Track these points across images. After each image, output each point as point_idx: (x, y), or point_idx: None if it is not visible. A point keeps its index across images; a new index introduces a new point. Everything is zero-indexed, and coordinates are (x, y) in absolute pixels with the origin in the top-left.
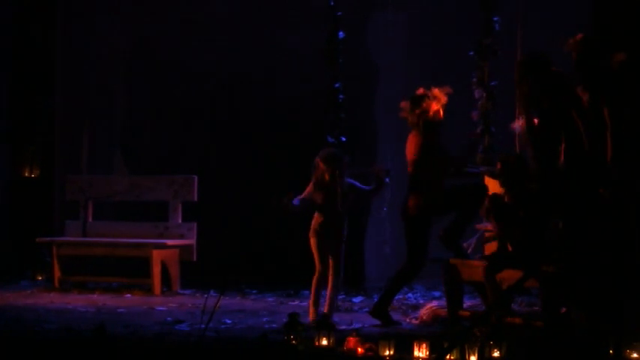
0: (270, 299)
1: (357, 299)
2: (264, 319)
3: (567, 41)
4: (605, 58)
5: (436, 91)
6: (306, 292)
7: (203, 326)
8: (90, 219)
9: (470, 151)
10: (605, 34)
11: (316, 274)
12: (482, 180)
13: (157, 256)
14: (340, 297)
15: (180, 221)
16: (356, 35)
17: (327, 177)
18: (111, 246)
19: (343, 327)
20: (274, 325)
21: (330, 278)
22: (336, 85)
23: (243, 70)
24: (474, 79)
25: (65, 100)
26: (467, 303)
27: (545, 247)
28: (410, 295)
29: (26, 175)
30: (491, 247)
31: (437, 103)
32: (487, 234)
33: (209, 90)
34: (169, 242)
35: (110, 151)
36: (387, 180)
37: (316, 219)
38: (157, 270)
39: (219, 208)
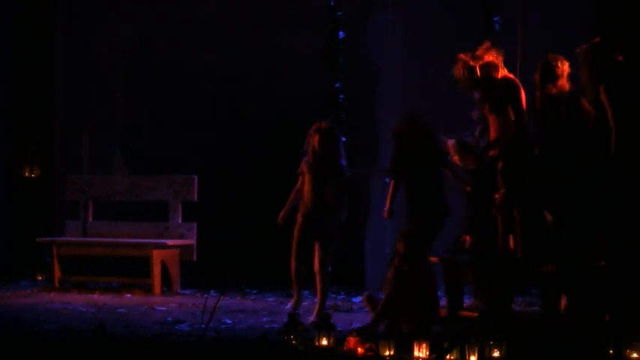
0: (270, 299)
1: (357, 299)
2: (264, 319)
3: (579, 51)
4: (613, 57)
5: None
6: (306, 292)
7: (203, 326)
8: (90, 219)
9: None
10: (606, 34)
11: None
12: None
13: (157, 256)
14: (340, 297)
15: (180, 221)
16: (356, 35)
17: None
18: (111, 246)
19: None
20: (274, 325)
21: None
22: (336, 85)
23: (243, 70)
24: None
25: (65, 100)
26: (467, 303)
27: (543, 246)
28: None
29: (26, 175)
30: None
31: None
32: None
33: (209, 90)
34: (169, 242)
35: (110, 151)
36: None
37: None
38: (157, 270)
39: (219, 208)
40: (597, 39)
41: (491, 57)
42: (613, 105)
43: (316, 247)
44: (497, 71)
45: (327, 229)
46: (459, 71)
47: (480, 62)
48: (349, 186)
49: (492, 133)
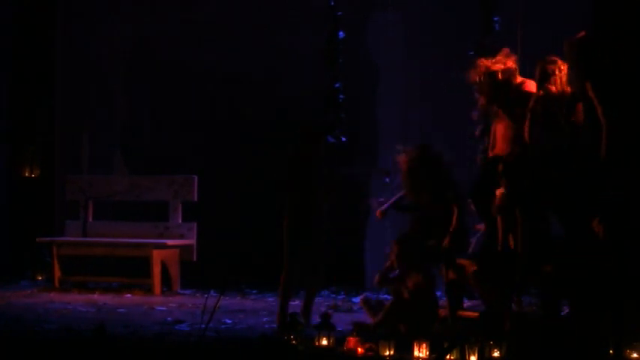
0: (270, 299)
1: (357, 299)
2: (264, 319)
3: (567, 43)
4: (605, 56)
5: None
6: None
7: (203, 326)
8: (90, 219)
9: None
10: (605, 34)
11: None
12: None
13: (157, 256)
14: (340, 297)
15: (180, 221)
16: (356, 35)
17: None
18: (111, 246)
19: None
20: (274, 325)
21: None
22: (336, 85)
23: (243, 70)
24: None
25: (65, 100)
26: (467, 303)
27: (543, 246)
28: None
29: (26, 175)
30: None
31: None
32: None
33: (209, 90)
34: (169, 242)
35: (110, 151)
36: (387, 180)
37: None
38: (157, 270)
39: (219, 208)
40: (581, 34)
41: (510, 63)
42: (602, 102)
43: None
44: (516, 77)
45: (317, 236)
46: (477, 76)
47: (502, 68)
48: (334, 195)
49: (503, 138)
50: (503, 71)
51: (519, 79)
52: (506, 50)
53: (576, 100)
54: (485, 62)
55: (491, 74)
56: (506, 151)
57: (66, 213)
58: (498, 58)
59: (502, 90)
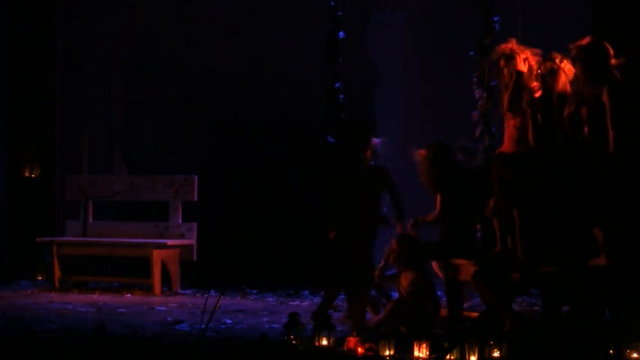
0: (270, 299)
1: None
2: (264, 319)
3: (573, 47)
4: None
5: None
6: (306, 292)
7: (203, 326)
8: (90, 219)
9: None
10: (605, 34)
11: None
12: None
13: (157, 256)
14: (341, 297)
15: (180, 221)
16: (356, 35)
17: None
18: (111, 246)
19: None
20: (274, 325)
21: None
22: (336, 85)
23: (243, 70)
24: (474, 79)
25: (65, 100)
26: (467, 303)
27: (543, 246)
28: None
29: (26, 175)
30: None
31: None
32: None
33: (209, 90)
34: (169, 242)
35: (110, 151)
36: None
37: None
38: (157, 270)
39: (219, 208)
40: (588, 39)
41: (532, 61)
42: (614, 108)
43: None
44: (532, 79)
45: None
46: (502, 52)
47: (525, 58)
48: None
49: (510, 137)
50: (525, 61)
51: (535, 83)
52: (538, 50)
53: (582, 102)
54: (514, 45)
55: (513, 57)
56: (511, 150)
57: (66, 213)
58: (527, 50)
59: (515, 82)
